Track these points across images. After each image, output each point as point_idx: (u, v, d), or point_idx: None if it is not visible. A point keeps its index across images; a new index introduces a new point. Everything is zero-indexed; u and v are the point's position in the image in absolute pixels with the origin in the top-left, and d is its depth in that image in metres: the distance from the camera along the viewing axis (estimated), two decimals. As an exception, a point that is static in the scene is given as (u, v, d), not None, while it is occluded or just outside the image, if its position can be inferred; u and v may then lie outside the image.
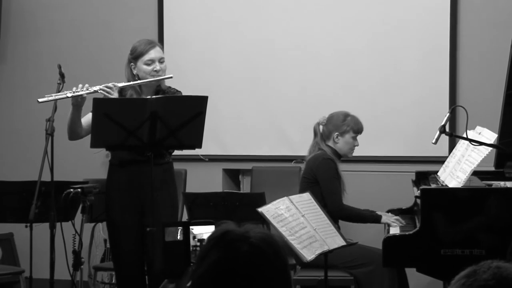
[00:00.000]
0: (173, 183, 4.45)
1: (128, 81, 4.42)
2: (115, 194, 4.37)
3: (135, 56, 4.40)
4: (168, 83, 4.53)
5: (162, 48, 4.54)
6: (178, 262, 2.92)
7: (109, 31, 6.65)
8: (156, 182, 4.18)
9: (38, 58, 6.78)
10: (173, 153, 4.49)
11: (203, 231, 3.27)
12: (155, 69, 4.36)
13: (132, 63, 4.41)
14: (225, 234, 1.65)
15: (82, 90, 4.24)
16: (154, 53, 4.39)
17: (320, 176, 4.98)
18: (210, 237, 1.68)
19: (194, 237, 3.28)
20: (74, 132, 4.38)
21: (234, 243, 1.62)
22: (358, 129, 5.10)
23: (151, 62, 4.37)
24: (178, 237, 3.10)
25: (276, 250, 1.65)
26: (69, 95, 4.25)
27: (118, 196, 4.35)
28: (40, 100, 4.27)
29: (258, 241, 1.64)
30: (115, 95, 4.30)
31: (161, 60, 4.40)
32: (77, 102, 4.28)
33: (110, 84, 4.31)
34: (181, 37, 6.40)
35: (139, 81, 4.38)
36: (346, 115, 5.11)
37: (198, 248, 3.16)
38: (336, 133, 5.07)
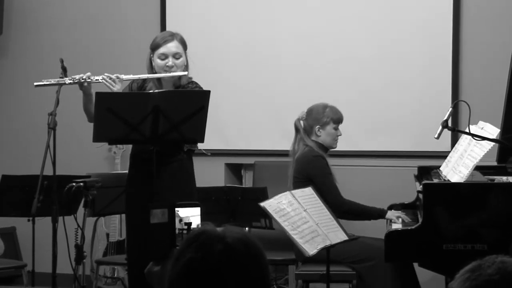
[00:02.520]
0: (187, 182, 4.36)
1: (148, 73, 4.38)
2: (130, 190, 4.37)
3: (152, 47, 4.34)
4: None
5: (183, 42, 4.38)
6: (163, 245, 2.92)
7: (111, 25, 6.64)
8: (167, 181, 4.16)
9: (40, 53, 6.78)
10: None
11: (188, 214, 3.26)
12: (167, 64, 4.27)
13: (151, 55, 4.35)
14: (200, 234, 1.61)
15: (82, 79, 4.22)
16: (168, 48, 4.29)
17: (313, 174, 4.93)
18: (186, 237, 1.65)
19: (180, 220, 3.27)
20: (90, 116, 4.32)
21: (208, 243, 1.59)
22: (338, 119, 5.08)
23: (164, 56, 4.29)
24: (163, 219, 3.09)
25: (253, 251, 1.61)
26: (68, 81, 4.24)
27: (133, 192, 4.34)
28: (36, 83, 4.27)
29: (233, 241, 1.59)
30: (117, 87, 4.25)
31: (176, 56, 4.29)
32: (82, 88, 4.26)
33: (113, 76, 4.26)
34: (184, 32, 6.28)
35: (145, 75, 4.33)
36: (324, 107, 5.09)
37: (183, 231, 3.14)
38: (318, 126, 5.04)
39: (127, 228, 4.44)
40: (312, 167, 4.95)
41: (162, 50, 4.29)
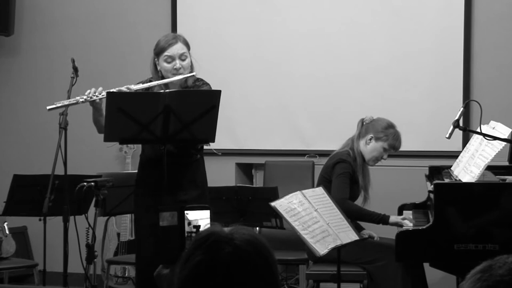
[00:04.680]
0: (201, 184, 4.35)
1: (152, 77, 4.36)
2: (140, 192, 4.36)
3: (157, 52, 4.32)
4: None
5: (186, 43, 4.36)
6: (173, 248, 2.92)
7: (122, 24, 6.66)
8: (179, 183, 4.15)
9: (50, 52, 6.80)
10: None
11: (198, 217, 3.25)
12: (175, 67, 4.26)
13: (156, 59, 4.34)
14: (209, 236, 1.60)
15: (95, 95, 4.20)
16: (173, 50, 4.27)
17: (333, 174, 4.92)
18: (195, 239, 1.64)
19: (189, 223, 3.26)
20: (100, 129, 4.32)
21: (217, 245, 1.58)
22: (393, 145, 4.96)
23: (170, 59, 4.27)
24: (173, 222, 3.09)
25: (262, 252, 1.60)
26: (81, 100, 4.21)
27: (142, 194, 4.33)
28: (49, 107, 4.22)
29: (242, 242, 1.58)
30: None
31: (182, 57, 4.27)
32: (94, 105, 4.25)
33: (123, 88, 4.22)
34: (195, 32, 6.38)
35: (155, 82, 4.30)
36: (391, 126, 4.98)
37: (193, 234, 3.14)
38: (371, 136, 4.95)
39: (136, 230, 4.43)
40: (335, 169, 4.91)
41: (168, 53, 4.27)
